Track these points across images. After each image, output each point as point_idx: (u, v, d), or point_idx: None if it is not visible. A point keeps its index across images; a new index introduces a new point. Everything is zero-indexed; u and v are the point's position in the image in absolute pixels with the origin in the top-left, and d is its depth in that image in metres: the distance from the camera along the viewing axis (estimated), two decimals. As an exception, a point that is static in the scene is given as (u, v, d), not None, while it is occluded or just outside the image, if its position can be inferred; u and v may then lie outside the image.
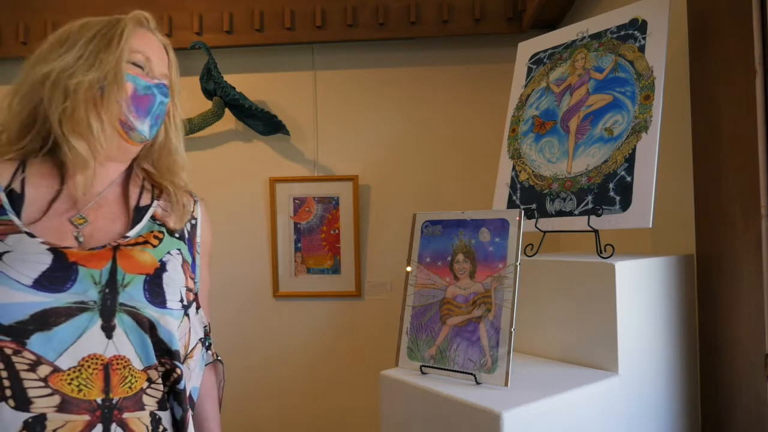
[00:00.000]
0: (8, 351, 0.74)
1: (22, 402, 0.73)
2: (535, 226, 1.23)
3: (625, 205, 1.08)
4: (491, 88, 2.21)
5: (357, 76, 2.30)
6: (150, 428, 0.81)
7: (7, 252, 0.76)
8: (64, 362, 0.75)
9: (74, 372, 0.76)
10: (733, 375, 1.04)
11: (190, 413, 0.89)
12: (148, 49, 0.90)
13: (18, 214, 0.81)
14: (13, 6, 2.20)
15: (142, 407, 0.81)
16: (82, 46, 0.85)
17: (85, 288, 0.78)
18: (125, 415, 0.79)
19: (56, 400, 0.74)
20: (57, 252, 0.79)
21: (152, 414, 0.82)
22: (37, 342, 0.74)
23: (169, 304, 0.84)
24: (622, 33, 1.20)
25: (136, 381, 0.81)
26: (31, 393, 0.74)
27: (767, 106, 0.97)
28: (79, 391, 0.76)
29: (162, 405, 0.84)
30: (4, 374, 0.74)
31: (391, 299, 2.26)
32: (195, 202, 1.01)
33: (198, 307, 0.96)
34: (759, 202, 0.96)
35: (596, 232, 1.11)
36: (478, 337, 0.96)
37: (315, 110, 2.30)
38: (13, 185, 0.83)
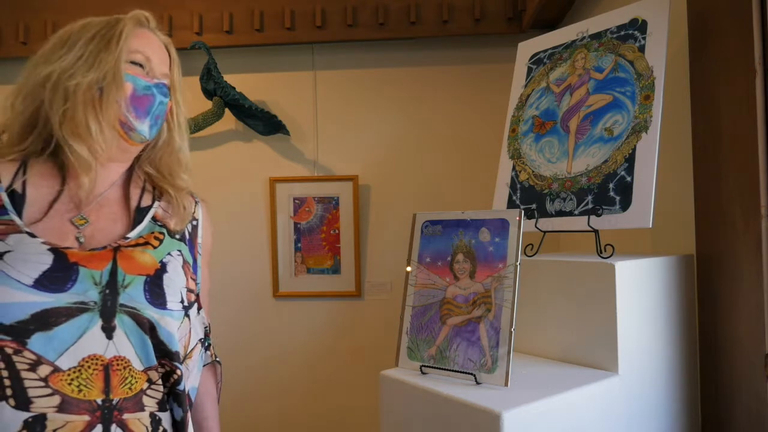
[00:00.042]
0: (9, 350, 0.74)
1: (23, 401, 0.73)
2: (535, 226, 1.23)
3: (625, 205, 1.08)
4: (491, 88, 2.21)
5: (357, 76, 2.30)
6: (150, 429, 0.81)
7: (8, 252, 0.76)
8: (65, 362, 0.75)
9: (74, 372, 0.76)
10: (733, 375, 1.04)
11: (189, 414, 0.89)
12: (148, 49, 0.89)
13: (19, 214, 0.81)
14: (13, 6, 2.20)
15: (142, 408, 0.81)
16: (82, 47, 0.85)
17: (86, 288, 0.78)
18: (125, 415, 0.79)
19: (56, 400, 0.74)
20: (58, 252, 0.79)
21: (152, 415, 0.82)
22: (37, 342, 0.74)
23: (169, 305, 0.84)
24: (622, 33, 1.20)
25: (136, 382, 0.81)
26: (31, 393, 0.74)
27: (767, 106, 0.97)
28: (79, 391, 0.76)
29: (162, 406, 0.84)
30: (5, 374, 0.74)
31: (391, 299, 2.26)
32: (196, 203, 1.01)
33: (199, 308, 0.96)
34: (759, 202, 0.96)
35: (596, 232, 1.11)
36: (478, 337, 0.96)
37: (315, 110, 2.30)
38: (15, 185, 0.83)
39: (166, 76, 0.92)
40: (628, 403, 1.01)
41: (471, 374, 0.94)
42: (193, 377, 0.92)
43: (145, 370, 0.82)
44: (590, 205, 1.14)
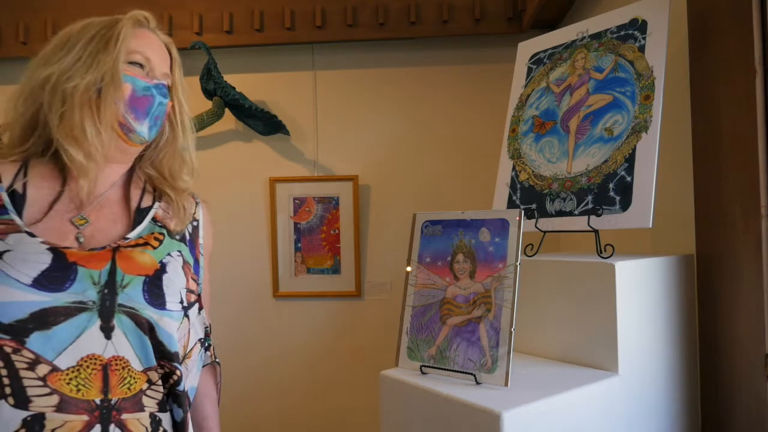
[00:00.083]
0: (8, 349, 0.74)
1: (21, 400, 0.73)
2: (535, 226, 1.23)
3: (625, 205, 1.08)
4: (491, 88, 2.21)
5: (357, 76, 2.30)
6: (149, 429, 0.81)
7: (8, 251, 0.76)
8: (63, 362, 0.75)
9: (73, 372, 0.76)
10: (733, 375, 1.04)
11: (189, 414, 0.89)
12: (147, 49, 0.89)
13: (19, 215, 0.81)
14: (13, 6, 2.20)
15: (141, 408, 0.81)
16: (81, 48, 0.85)
17: (84, 288, 0.78)
18: (124, 416, 0.78)
19: (55, 399, 0.74)
20: (57, 252, 0.79)
21: (152, 415, 0.82)
22: (36, 341, 0.74)
23: (168, 306, 0.84)
24: (622, 33, 1.19)
25: (136, 382, 0.80)
26: (30, 392, 0.74)
27: (767, 106, 0.97)
28: (78, 391, 0.76)
29: (162, 407, 0.84)
30: (4, 372, 0.74)
31: (391, 299, 2.26)
32: (197, 204, 1.01)
33: (200, 308, 0.96)
34: (759, 202, 0.96)
35: (596, 232, 1.11)
36: (478, 337, 0.96)
37: (315, 110, 2.30)
38: (15, 186, 0.83)
39: (167, 77, 0.92)
40: (628, 403, 1.01)
41: (471, 374, 0.94)
42: (192, 377, 0.92)
43: (145, 371, 0.82)
44: (590, 205, 1.14)
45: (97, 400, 0.77)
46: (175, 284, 0.86)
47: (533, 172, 1.29)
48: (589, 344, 1.04)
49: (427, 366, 1.00)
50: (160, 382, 0.84)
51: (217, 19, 2.18)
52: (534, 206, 1.26)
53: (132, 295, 0.80)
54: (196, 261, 0.96)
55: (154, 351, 0.82)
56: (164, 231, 0.91)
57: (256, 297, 2.30)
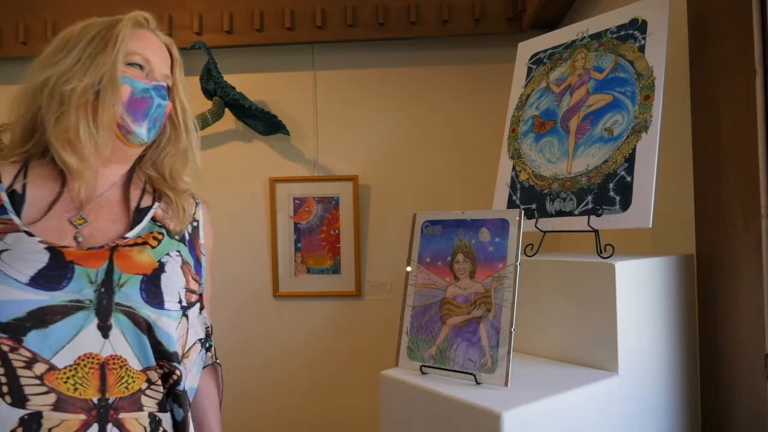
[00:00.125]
0: (5, 348, 0.74)
1: (18, 399, 0.73)
2: (535, 226, 1.23)
3: (625, 205, 1.08)
4: (491, 88, 2.21)
5: (357, 76, 2.30)
6: (149, 429, 0.81)
7: (6, 250, 0.76)
8: (60, 360, 0.75)
9: (70, 371, 0.76)
10: (733, 375, 1.04)
11: (189, 414, 0.88)
12: (147, 50, 0.89)
13: (18, 215, 0.81)
14: (13, 6, 2.20)
15: (140, 408, 0.81)
16: (81, 50, 0.84)
17: (81, 287, 0.78)
18: (122, 415, 0.78)
19: (52, 398, 0.74)
20: (54, 251, 0.79)
21: (152, 415, 0.82)
22: (33, 339, 0.74)
23: (166, 305, 0.84)
24: (622, 33, 1.19)
25: (134, 381, 0.80)
26: (27, 390, 0.74)
27: (767, 106, 0.97)
28: (75, 389, 0.76)
29: (162, 407, 0.84)
30: (1, 371, 0.74)
31: (391, 299, 2.26)
32: (197, 204, 1.01)
33: (201, 308, 0.95)
34: (759, 202, 0.96)
35: (596, 232, 1.11)
36: (478, 337, 0.96)
37: (315, 110, 2.30)
38: (15, 186, 0.83)
39: (167, 77, 0.92)
40: (628, 403, 1.01)
41: (471, 374, 0.94)
42: (191, 377, 0.92)
43: (144, 370, 0.81)
44: (590, 205, 1.14)
45: (95, 399, 0.77)
46: (173, 284, 0.86)
47: (533, 172, 1.29)
48: (589, 344, 1.04)
49: (427, 366, 1.00)
50: (159, 382, 0.84)
51: (217, 19, 2.18)
52: (534, 206, 1.26)
53: (129, 293, 0.80)
54: (197, 261, 0.96)
55: (153, 350, 0.82)
56: (163, 231, 0.91)
57: (256, 297, 2.30)
